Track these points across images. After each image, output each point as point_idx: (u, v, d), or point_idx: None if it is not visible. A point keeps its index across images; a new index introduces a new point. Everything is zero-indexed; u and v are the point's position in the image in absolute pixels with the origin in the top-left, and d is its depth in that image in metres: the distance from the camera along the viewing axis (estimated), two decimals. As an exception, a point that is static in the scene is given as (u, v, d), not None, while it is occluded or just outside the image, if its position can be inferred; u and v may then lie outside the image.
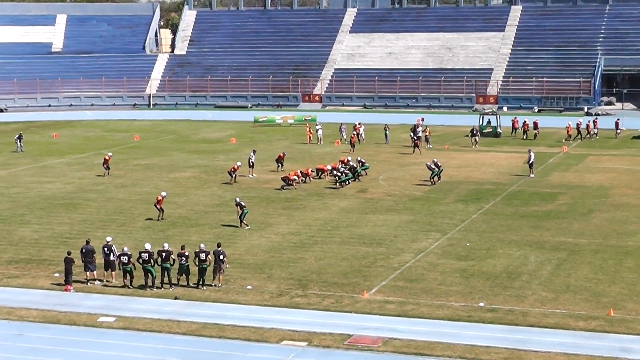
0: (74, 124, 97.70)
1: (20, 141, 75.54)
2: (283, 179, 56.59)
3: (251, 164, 61.42)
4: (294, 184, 56.51)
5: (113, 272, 36.72)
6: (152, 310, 33.18)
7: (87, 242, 37.52)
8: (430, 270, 37.95)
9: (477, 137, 74.89)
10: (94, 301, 34.43)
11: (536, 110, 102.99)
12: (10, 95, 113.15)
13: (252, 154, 62.54)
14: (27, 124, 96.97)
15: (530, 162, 60.09)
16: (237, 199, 46.85)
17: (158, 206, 47.97)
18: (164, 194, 49.05)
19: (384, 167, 64.74)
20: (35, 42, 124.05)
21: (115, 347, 29.64)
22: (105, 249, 36.82)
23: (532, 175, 59.58)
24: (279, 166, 62.53)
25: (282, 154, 63.73)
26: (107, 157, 62.87)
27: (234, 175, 58.49)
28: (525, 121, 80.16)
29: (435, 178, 57.32)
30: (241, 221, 45.92)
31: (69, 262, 36.15)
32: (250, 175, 60.64)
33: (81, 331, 31.26)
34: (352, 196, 53.91)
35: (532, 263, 38.79)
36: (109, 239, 37.84)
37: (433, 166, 57.45)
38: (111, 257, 36.64)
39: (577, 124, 79.26)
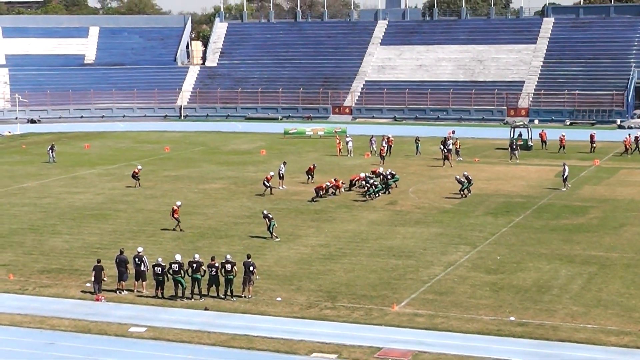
0: (105, 135, 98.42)
1: (52, 152, 76.22)
2: (316, 190, 56.68)
3: (281, 175, 61.49)
4: (324, 193, 56.54)
5: (144, 283, 36.90)
6: (182, 320, 33.30)
7: (121, 252, 37.73)
8: (460, 283, 37.81)
9: (517, 152, 74.32)
10: (124, 311, 34.61)
11: (568, 124, 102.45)
12: (43, 106, 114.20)
13: (282, 165, 62.77)
14: (59, 135, 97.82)
15: (565, 175, 59.67)
16: (265, 211, 46.96)
17: (175, 216, 48.18)
18: (179, 203, 49.26)
19: (414, 179, 64.61)
20: (68, 54, 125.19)
21: (146, 357, 29.78)
22: (137, 259, 37.02)
23: (563, 189, 59.16)
24: (309, 178, 62.63)
25: (312, 166, 63.81)
26: (136, 170, 63.14)
27: (268, 186, 58.46)
28: (562, 134, 79.48)
29: (465, 191, 57.11)
30: (271, 233, 46.01)
31: (98, 269, 36.44)
32: (281, 187, 60.75)
33: (112, 341, 31.43)
34: (382, 208, 53.85)
35: (563, 277, 38.53)
36: (140, 249, 38.02)
37: (463, 179, 57.25)
38: (142, 268, 36.83)
39: (636, 138, 78.26)
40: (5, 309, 35.03)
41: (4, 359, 29.81)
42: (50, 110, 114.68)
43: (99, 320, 33.52)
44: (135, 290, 36.92)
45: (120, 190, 61.78)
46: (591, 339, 30.82)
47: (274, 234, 46.03)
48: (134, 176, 62.64)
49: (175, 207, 48.41)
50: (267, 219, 46.15)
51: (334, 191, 57.84)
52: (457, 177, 58.06)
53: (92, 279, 36.62)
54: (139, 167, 64.31)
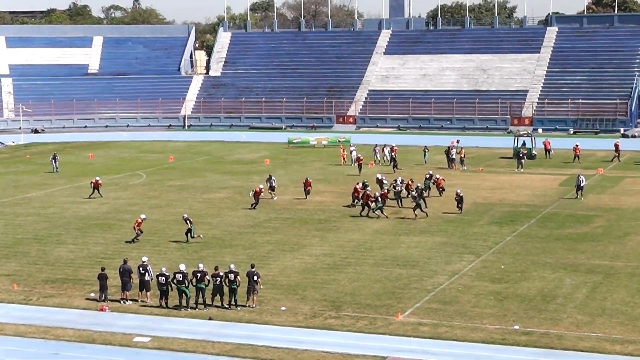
0: (109, 144, 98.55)
1: (55, 161, 76.29)
2: (356, 197, 56.60)
3: (272, 187, 60.42)
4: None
5: (148, 293, 36.90)
6: (187, 330, 33.29)
7: (125, 262, 37.73)
8: (464, 292, 37.79)
9: (523, 161, 74.23)
10: (129, 321, 34.61)
11: (571, 132, 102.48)
12: (47, 116, 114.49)
13: (272, 179, 61.07)
14: (63, 144, 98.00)
15: (582, 185, 59.00)
16: (185, 215, 48.88)
17: (137, 228, 47.60)
18: (143, 216, 48.97)
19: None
20: (72, 64, 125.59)
21: (150, 367, 29.78)
22: (141, 268, 37.02)
23: (582, 199, 58.49)
24: (306, 194, 60.49)
25: (306, 181, 61.27)
26: (94, 181, 62.27)
27: (258, 200, 57.38)
28: (576, 144, 79.24)
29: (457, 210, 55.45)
30: (190, 237, 47.38)
31: (102, 278, 36.49)
32: (275, 198, 60.11)
33: (116, 351, 31.42)
34: (386, 218, 53.79)
35: (567, 286, 38.49)
36: (144, 258, 38.04)
37: (457, 198, 55.92)
38: (146, 277, 36.84)
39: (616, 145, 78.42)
40: (10, 319, 35.04)
41: (8, 369, 29.85)
42: (54, 120, 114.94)
43: (104, 330, 33.51)
44: (139, 300, 36.93)
45: (124, 200, 61.84)
46: (596, 348, 30.78)
47: (195, 236, 47.52)
48: (95, 187, 61.83)
49: (140, 220, 47.89)
50: (187, 222, 47.54)
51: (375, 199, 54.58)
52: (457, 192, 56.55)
53: (98, 287, 36.75)
54: (97, 178, 63.26)
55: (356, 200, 56.90)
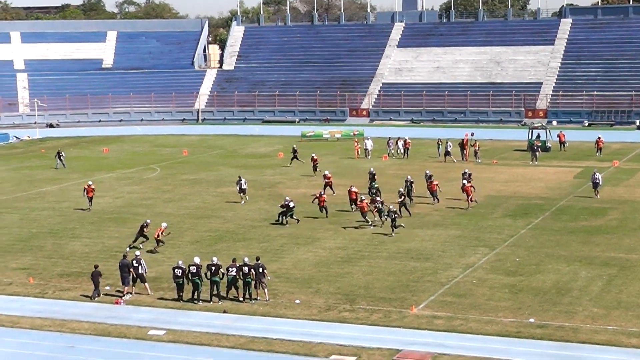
0: (123, 139, 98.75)
1: (60, 158, 75.30)
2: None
3: (242, 189, 57.43)
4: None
5: (146, 284, 37.17)
6: (201, 323, 33.37)
7: (124, 257, 37.77)
8: (479, 285, 37.72)
9: (537, 153, 73.91)
10: (143, 314, 34.71)
11: (586, 125, 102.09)
12: (62, 110, 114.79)
13: (242, 181, 57.71)
14: (77, 139, 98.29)
15: (598, 182, 56.88)
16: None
17: (159, 237, 44.55)
18: (164, 225, 45.49)
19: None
20: (86, 59, 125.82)
21: (165, 361, 29.89)
22: (134, 261, 37.20)
23: (597, 196, 56.79)
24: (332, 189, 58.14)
25: (325, 175, 59.72)
26: (86, 187, 56.62)
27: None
28: (599, 137, 78.82)
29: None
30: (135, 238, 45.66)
31: (95, 275, 36.75)
32: (243, 202, 57.33)
33: (131, 344, 31.53)
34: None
35: (582, 279, 38.37)
36: (137, 252, 38.39)
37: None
38: (140, 270, 37.09)
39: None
40: (26, 312, 35.23)
41: (24, 362, 29.99)
42: (69, 115, 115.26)
43: (119, 323, 33.63)
44: (132, 293, 36.95)
45: (138, 194, 61.98)
46: (611, 341, 30.68)
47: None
48: (87, 194, 56.18)
49: (162, 228, 44.99)
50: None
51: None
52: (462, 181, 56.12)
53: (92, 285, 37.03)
54: (90, 182, 58.06)
55: (353, 205, 52.68)
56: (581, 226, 48.86)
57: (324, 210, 51.95)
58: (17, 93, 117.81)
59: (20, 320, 34.34)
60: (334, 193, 57.75)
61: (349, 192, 53.67)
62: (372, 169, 60.88)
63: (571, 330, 31.79)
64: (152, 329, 32.78)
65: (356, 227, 49.23)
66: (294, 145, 76.41)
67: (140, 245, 44.98)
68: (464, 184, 54.97)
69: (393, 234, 46.77)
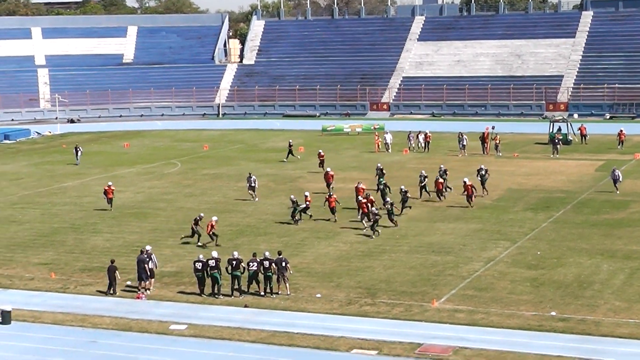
0: (144, 134, 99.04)
1: (78, 153, 75.09)
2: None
3: (252, 187, 56.63)
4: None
5: (152, 279, 37.22)
6: (223, 318, 33.45)
7: (142, 252, 37.79)
8: (500, 279, 37.61)
9: (558, 146, 73.57)
10: (164, 309, 34.83)
11: (608, 117, 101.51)
12: (83, 106, 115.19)
13: (252, 178, 56.80)
14: (98, 134, 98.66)
15: (619, 179, 56.25)
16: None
17: (210, 231, 44.50)
18: (215, 218, 45.46)
19: (453, 175, 63.76)
20: (107, 54, 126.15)
21: (186, 355, 29.95)
22: (146, 257, 37.28)
23: (617, 192, 55.88)
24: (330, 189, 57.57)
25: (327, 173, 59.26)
26: (107, 188, 55.04)
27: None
28: (621, 130, 78.21)
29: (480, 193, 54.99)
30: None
31: (111, 270, 36.82)
32: (257, 199, 56.39)
33: (153, 338, 31.65)
34: (420, 205, 53.63)
35: (604, 272, 38.19)
36: (148, 247, 38.30)
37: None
38: (150, 265, 37.11)
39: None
40: (48, 307, 35.43)
41: (46, 358, 30.12)
42: (90, 110, 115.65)
43: (140, 318, 33.76)
44: (140, 288, 36.90)
45: (159, 188, 62.16)
46: (634, 334, 30.53)
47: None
48: (107, 196, 54.67)
49: (213, 222, 44.81)
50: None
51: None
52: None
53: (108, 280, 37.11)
54: (110, 183, 56.53)
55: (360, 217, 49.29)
56: (603, 219, 48.62)
57: (334, 212, 49.89)
58: (38, 88, 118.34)
59: (42, 315, 34.54)
60: (330, 192, 54.40)
61: (357, 188, 52.67)
62: (379, 165, 59.94)
63: (593, 324, 31.65)
64: (174, 324, 32.89)
65: (375, 221, 49.08)
66: (290, 140, 76.64)
67: (200, 243, 44.48)
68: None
69: (373, 237, 45.60)
